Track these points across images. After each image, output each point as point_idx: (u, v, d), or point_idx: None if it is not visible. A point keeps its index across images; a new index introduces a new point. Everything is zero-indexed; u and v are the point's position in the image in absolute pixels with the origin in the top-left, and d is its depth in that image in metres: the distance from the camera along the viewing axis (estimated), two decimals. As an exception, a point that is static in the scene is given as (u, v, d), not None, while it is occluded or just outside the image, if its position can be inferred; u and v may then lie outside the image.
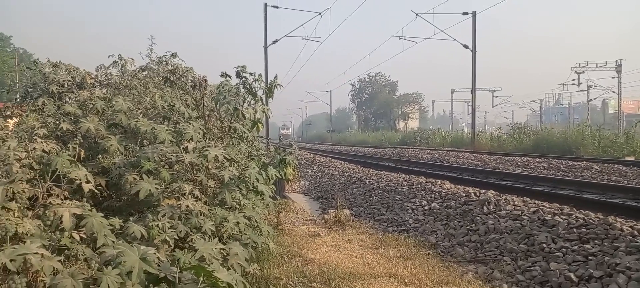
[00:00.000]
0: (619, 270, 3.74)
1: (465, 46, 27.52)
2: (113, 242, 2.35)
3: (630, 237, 4.15)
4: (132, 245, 2.21)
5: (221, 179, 3.87)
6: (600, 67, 45.62)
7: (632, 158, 16.46)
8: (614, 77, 44.82)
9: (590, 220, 4.72)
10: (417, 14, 26.32)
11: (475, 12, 26.98)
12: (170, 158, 3.67)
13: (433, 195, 7.08)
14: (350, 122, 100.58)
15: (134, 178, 3.25)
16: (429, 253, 5.08)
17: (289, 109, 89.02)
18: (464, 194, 6.57)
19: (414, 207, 6.92)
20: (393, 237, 5.85)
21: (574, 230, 4.61)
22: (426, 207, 6.72)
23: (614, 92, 45.77)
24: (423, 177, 8.93)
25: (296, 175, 9.45)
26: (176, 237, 3.11)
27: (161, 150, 3.62)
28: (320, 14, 25.80)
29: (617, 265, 3.80)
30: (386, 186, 8.62)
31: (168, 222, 3.09)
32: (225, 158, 3.86)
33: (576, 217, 4.89)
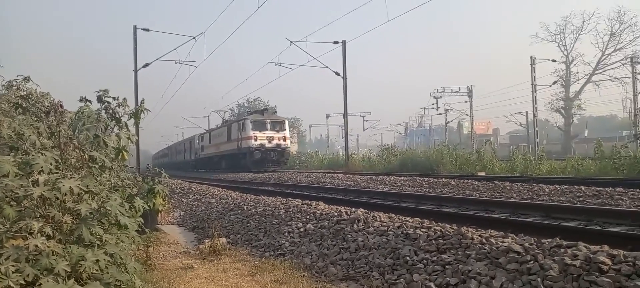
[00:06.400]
0: (471, 276, 4.07)
1: (337, 73, 29.04)
2: None
3: (480, 245, 4.55)
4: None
5: (78, 214, 3.55)
6: (455, 92, 51.26)
7: (483, 174, 18.60)
8: (466, 101, 50.74)
9: (447, 232, 5.16)
10: (291, 42, 27.19)
11: (345, 41, 28.68)
12: (17, 193, 3.30)
13: (308, 217, 7.25)
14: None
15: (-29, 219, 2.84)
16: (304, 275, 5.17)
17: (162, 135, 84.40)
18: (336, 214, 6.84)
19: (290, 229, 7.00)
20: (269, 262, 5.85)
21: (433, 241, 5.00)
22: (302, 229, 6.85)
23: (467, 114, 51.69)
24: (299, 200, 9.11)
25: (167, 205, 9.00)
26: (23, 282, 2.79)
27: (5, 184, 3.25)
28: (194, 38, 25.40)
29: (469, 271, 4.15)
30: (264, 211, 8.62)
31: (13, 265, 2.76)
32: (82, 190, 3.56)
33: (435, 229, 5.33)
